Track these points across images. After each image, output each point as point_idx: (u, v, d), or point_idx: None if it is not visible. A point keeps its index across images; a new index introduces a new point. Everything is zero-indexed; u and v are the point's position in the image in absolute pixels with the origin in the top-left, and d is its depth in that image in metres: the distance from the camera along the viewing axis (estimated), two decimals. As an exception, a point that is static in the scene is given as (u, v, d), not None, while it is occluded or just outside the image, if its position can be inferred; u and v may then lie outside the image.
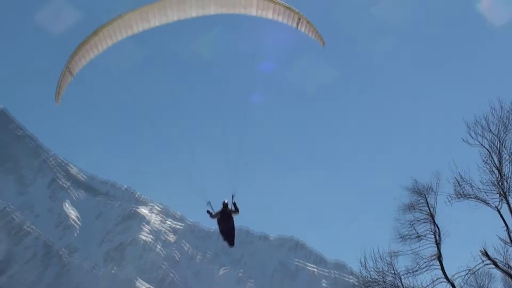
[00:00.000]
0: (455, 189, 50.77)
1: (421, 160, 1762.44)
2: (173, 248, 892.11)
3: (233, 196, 34.05)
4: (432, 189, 53.08)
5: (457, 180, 50.46)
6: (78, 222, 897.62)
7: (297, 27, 29.68)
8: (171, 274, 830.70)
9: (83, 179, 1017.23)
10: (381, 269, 53.25)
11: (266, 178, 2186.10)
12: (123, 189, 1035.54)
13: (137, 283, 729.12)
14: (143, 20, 25.86)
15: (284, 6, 28.71)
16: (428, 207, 53.38)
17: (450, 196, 51.12)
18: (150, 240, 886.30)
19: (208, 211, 33.86)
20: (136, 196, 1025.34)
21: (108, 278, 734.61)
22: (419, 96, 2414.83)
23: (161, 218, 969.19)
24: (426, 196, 53.49)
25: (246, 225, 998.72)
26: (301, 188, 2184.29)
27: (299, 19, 29.56)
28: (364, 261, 53.82)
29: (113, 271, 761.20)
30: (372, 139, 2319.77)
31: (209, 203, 34.56)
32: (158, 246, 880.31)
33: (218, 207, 36.29)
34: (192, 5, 26.21)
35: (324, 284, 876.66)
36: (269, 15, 28.50)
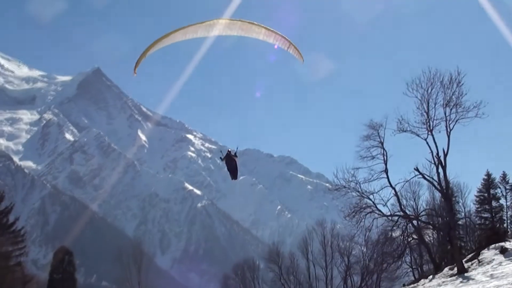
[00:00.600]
0: (397, 126, 50.17)
1: (376, 107, 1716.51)
2: (209, 162, 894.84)
3: (237, 147, 34.53)
4: (382, 125, 52.35)
5: (399, 120, 49.97)
6: (147, 143, 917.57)
7: (287, 49, 29.46)
8: (208, 179, 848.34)
9: (150, 115, 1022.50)
10: (347, 178, 53.63)
11: (274, 112, 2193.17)
12: (177, 121, 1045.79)
13: (185, 184, 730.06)
14: (193, 33, 27.39)
15: (281, 35, 29.11)
16: (379, 137, 52.53)
17: (394, 130, 50.68)
18: (194, 156, 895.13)
19: (220, 158, 34.38)
20: (185, 126, 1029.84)
21: (166, 181, 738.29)
22: (377, 61, 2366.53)
23: (201, 142, 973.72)
24: (378, 130, 52.61)
25: (258, 147, 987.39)
26: (300, 122, 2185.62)
27: (289, 46, 29.59)
28: (336, 173, 54.07)
29: (169, 176, 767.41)
30: (347, 90, 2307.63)
31: (221, 151, 35.63)
32: (199, 161, 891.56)
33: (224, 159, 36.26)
34: (225, 28, 27.97)
35: (309, 188, 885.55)
36: (270, 40, 29.03)
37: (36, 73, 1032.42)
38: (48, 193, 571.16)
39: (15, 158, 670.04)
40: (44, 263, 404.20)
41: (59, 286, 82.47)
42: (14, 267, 66.99)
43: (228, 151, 34.68)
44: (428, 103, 48.42)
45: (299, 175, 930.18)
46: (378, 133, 52.84)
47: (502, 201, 62.27)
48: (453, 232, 48.85)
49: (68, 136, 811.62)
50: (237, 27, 27.86)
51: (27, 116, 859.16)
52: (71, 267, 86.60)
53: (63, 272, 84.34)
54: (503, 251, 44.56)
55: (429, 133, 48.61)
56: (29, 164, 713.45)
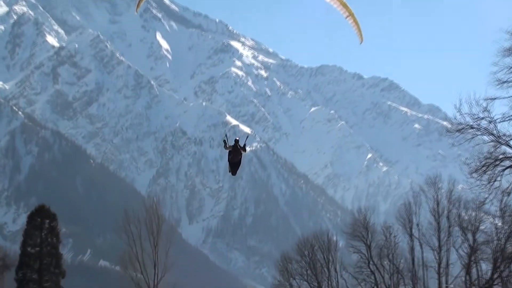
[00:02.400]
0: None
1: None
2: (264, 83, 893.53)
3: (247, 137, 38.85)
4: None
5: None
6: (170, 54, 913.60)
7: (346, 18, 33.08)
8: (262, 110, 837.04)
9: (176, 10, 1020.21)
10: (476, 114, 51.95)
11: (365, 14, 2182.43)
12: (216, 21, 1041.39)
13: (228, 117, 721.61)
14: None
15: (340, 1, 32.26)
16: None
17: None
18: (241, 75, 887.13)
19: (224, 141, 37.96)
20: (229, 29, 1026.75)
21: (198, 111, 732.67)
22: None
23: (253, 53, 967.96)
24: None
25: (340, 63, 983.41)
26: (399, 28, 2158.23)
27: (348, 15, 32.89)
28: (459, 106, 52.49)
29: (203, 104, 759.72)
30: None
31: (225, 135, 39.30)
32: (249, 81, 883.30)
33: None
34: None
35: (416, 127, 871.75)
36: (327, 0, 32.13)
37: None
38: (20, 125, 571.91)
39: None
40: (14, 231, 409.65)
41: (35, 264, 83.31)
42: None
43: (236, 139, 37.96)
44: None
45: (401, 108, 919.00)
46: None
47: None
48: None
49: (51, 39, 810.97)
50: None
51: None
52: (54, 238, 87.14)
53: (42, 245, 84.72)
54: None
55: None
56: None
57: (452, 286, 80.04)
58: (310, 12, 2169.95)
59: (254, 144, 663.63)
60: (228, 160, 39.34)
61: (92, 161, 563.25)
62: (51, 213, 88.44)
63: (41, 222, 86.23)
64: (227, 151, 38.46)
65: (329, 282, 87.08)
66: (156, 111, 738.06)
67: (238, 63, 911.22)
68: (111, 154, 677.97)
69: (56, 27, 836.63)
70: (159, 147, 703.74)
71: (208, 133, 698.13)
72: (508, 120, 51.57)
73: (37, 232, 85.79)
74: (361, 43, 34.38)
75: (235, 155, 38.32)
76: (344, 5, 31.83)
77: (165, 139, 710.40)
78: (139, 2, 31.41)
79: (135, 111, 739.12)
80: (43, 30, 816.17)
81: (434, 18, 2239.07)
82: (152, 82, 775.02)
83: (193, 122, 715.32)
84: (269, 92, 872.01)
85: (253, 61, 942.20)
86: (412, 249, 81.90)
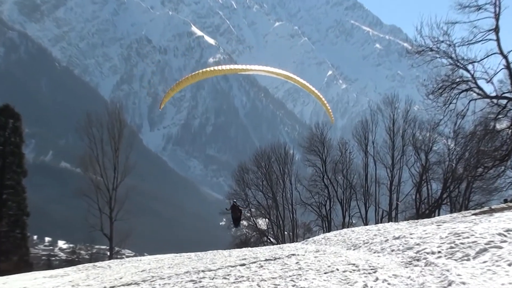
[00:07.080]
0: None
1: None
2: None
3: (243, 207, 42.96)
4: None
5: None
6: None
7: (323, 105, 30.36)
8: (227, 22, 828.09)
9: None
10: (436, 37, 50.95)
11: None
12: None
13: (193, 28, 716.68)
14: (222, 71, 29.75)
15: (316, 92, 30.31)
16: None
17: None
18: None
19: (226, 209, 43.81)
20: None
21: (163, 20, 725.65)
22: None
23: None
24: None
25: None
26: None
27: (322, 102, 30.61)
28: (420, 28, 51.31)
29: (169, 13, 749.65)
30: None
31: (228, 202, 47.47)
32: None
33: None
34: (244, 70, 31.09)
35: (377, 47, 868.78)
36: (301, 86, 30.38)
37: None
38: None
39: None
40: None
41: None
42: None
43: (234, 201, 44.86)
44: None
45: (363, 27, 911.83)
46: None
47: None
48: None
49: None
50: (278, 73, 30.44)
51: None
52: (17, 137, 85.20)
53: (5, 144, 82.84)
54: None
55: None
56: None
57: (400, 203, 79.18)
58: None
59: (218, 56, 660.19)
60: (232, 217, 44.42)
61: (57, 64, 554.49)
62: (15, 113, 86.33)
63: (5, 121, 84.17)
64: (230, 210, 43.61)
65: (284, 194, 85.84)
66: (123, 18, 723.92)
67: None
68: (76, 58, 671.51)
69: None
70: (124, 54, 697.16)
71: (173, 43, 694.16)
72: (467, 44, 50.39)
73: (0, 131, 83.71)
74: (332, 123, 34.07)
75: (235, 212, 43.11)
76: (312, 91, 30.22)
77: (130, 46, 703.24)
78: (164, 99, 30.66)
79: (102, 17, 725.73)
80: None
81: None
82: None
83: (158, 31, 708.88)
84: (235, 5, 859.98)
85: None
86: (366, 166, 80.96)
